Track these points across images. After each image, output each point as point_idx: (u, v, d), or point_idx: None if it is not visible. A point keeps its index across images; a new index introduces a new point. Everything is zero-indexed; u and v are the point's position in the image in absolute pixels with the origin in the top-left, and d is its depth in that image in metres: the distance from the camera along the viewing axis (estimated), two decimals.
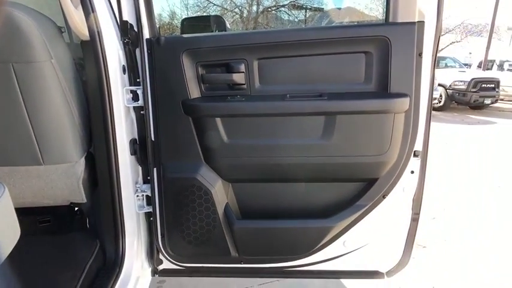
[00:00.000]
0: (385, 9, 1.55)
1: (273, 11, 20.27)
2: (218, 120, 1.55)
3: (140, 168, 1.67)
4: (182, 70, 1.50)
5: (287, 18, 20.10)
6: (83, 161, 1.47)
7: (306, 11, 19.83)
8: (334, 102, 1.53)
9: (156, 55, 1.49)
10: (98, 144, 1.49)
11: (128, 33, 1.45)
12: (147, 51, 1.52)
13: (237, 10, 19.62)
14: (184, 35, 1.70)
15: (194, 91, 1.56)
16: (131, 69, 1.52)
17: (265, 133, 1.55)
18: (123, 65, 1.48)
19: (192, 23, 3.08)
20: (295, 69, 1.52)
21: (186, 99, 1.53)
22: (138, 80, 1.54)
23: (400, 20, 1.49)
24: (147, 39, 1.49)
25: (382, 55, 1.50)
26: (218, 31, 2.76)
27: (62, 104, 1.30)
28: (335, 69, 1.56)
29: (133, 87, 1.53)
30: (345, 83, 1.52)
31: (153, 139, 1.57)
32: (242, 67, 1.52)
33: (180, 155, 1.60)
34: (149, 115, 1.54)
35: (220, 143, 1.56)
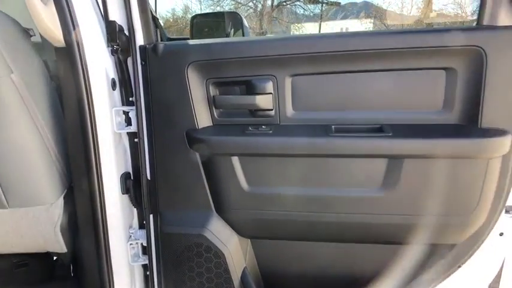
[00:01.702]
0: (477, 8, 1.07)
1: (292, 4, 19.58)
2: (235, 159, 1.22)
3: (135, 210, 1.38)
4: (187, 89, 1.18)
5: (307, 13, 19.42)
6: (60, 202, 1.22)
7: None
8: (401, 141, 1.07)
9: (152, 67, 1.18)
10: (79, 181, 1.22)
11: (117, 38, 1.16)
12: (141, 62, 1.19)
13: (251, 4, 19.05)
14: (191, 42, 1.27)
15: (203, 118, 1.24)
16: (123, 85, 1.23)
17: (299, 179, 1.21)
18: (113, 79, 1.20)
19: (203, 21, 2.65)
20: (344, 90, 1.18)
21: (192, 128, 1.22)
22: (131, 99, 1.25)
23: (501, 23, 1.03)
24: (140, 46, 1.19)
25: (471, 73, 1.07)
26: (234, 31, 2.31)
27: (29, 130, 1.07)
28: (401, 91, 1.15)
29: (125, 108, 1.24)
30: (415, 110, 1.15)
31: (148, 177, 1.27)
32: (269, 86, 1.19)
33: (184, 202, 1.29)
34: (144, 146, 1.23)
35: (238, 190, 1.24)
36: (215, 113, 1.24)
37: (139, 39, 1.18)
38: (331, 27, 20.23)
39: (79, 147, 1.16)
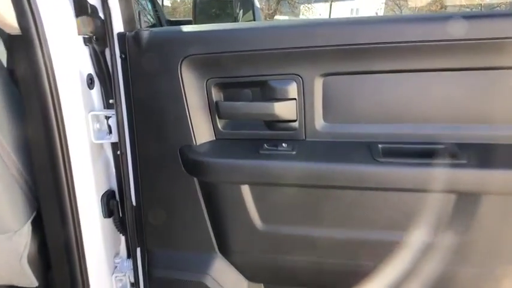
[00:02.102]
0: None
1: None
2: (246, 188, 0.94)
3: (122, 236, 1.16)
4: (181, 91, 0.91)
5: None
6: (27, 229, 1.01)
7: None
8: (480, 172, 0.77)
9: (134, 62, 0.91)
10: (47, 204, 1.00)
11: (89, 23, 0.92)
12: (120, 55, 0.92)
13: None
14: (187, 28, 0.97)
15: (203, 130, 0.97)
16: (103, 83, 1.00)
17: (330, 217, 0.92)
18: (89, 75, 0.96)
19: (207, 1, 2.30)
20: (396, 96, 0.89)
21: (187, 145, 0.95)
22: (111, 101, 1.00)
23: None
24: (119, 33, 0.92)
25: None
26: (243, 12, 1.98)
27: None
28: (479, 99, 0.84)
29: (106, 112, 1.00)
30: (496, 125, 0.85)
31: (133, 203, 1.03)
32: (292, 90, 0.90)
33: (179, 238, 1.05)
34: (127, 163, 0.99)
35: (248, 228, 0.97)
36: (219, 124, 0.97)
37: (118, 25, 0.90)
38: (341, 9, 19.53)
39: (45, 162, 0.94)
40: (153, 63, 0.90)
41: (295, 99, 0.89)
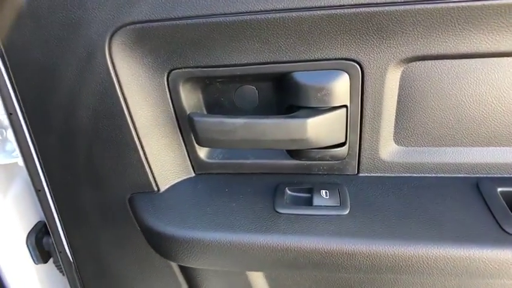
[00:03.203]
0: None
1: None
2: (258, 278, 0.57)
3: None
4: (116, 91, 0.48)
5: None
6: None
7: None
8: None
9: (23, 36, 0.47)
10: None
11: None
12: None
13: None
14: None
15: (168, 161, 0.56)
16: None
17: None
18: None
19: None
20: None
21: (142, 193, 0.56)
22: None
23: None
24: None
25: None
26: None
27: None
28: None
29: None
30: None
31: (70, 257, 0.71)
32: (341, 88, 0.47)
33: None
34: (46, 199, 0.65)
35: None
36: (198, 151, 0.55)
37: None
38: None
39: None
40: (57, 46, 0.46)
41: (345, 106, 0.46)
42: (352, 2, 0.38)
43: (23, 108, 0.52)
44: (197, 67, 0.46)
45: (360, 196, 0.49)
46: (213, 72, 0.46)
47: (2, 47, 0.47)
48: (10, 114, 0.54)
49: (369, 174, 0.51)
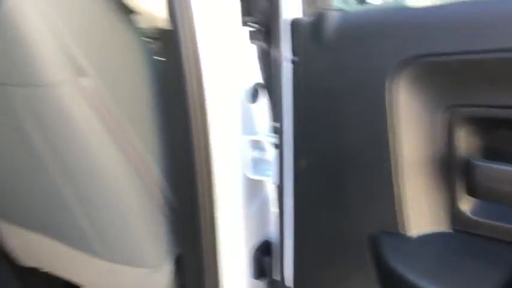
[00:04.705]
0: None
1: None
2: None
3: None
4: (392, 125, 0.51)
5: None
6: (168, 269, 0.87)
7: None
8: None
9: (312, 69, 0.58)
10: (188, 250, 0.82)
11: (253, 9, 0.67)
12: (292, 58, 0.61)
13: None
14: (414, 8, 0.54)
15: (426, 208, 0.55)
16: (272, 96, 0.76)
17: None
18: (255, 85, 0.73)
19: None
20: None
21: (387, 233, 0.56)
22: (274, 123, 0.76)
23: None
24: (290, 21, 0.60)
25: None
26: None
27: (120, 165, 0.69)
28: None
29: (270, 138, 0.73)
30: None
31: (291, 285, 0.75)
32: None
33: None
34: (283, 224, 0.71)
35: None
36: (462, 204, 0.53)
37: (289, 7, 0.58)
38: None
39: (187, 198, 0.74)
40: (344, 71, 0.54)
41: None
42: None
43: (294, 128, 0.62)
44: (484, 106, 0.46)
45: None
46: (502, 113, 0.45)
47: (304, 75, 0.56)
48: (278, 132, 0.64)
49: None
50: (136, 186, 0.77)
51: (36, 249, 0.98)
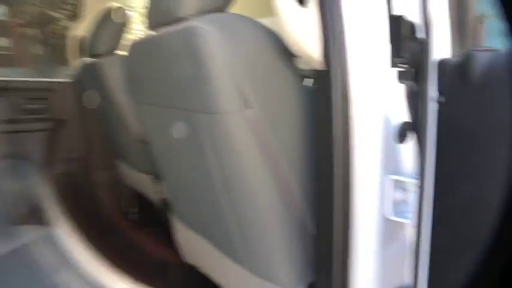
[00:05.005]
0: None
1: None
2: None
3: None
4: None
5: None
6: None
7: None
8: None
9: (461, 112, 0.60)
10: (319, 279, 0.81)
11: (405, 50, 0.67)
12: (437, 99, 0.61)
13: None
14: None
15: None
16: (420, 137, 0.71)
17: None
18: (403, 125, 0.73)
19: None
20: None
21: None
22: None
23: None
24: (437, 61, 0.61)
25: None
26: None
27: (262, 180, 0.77)
28: None
29: (409, 179, 0.71)
30: None
31: None
32: None
33: None
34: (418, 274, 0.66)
35: None
36: None
37: (439, 49, 0.62)
38: None
39: (325, 231, 0.75)
40: (491, 114, 0.53)
41: None
42: None
43: (436, 169, 0.60)
44: None
45: None
46: None
47: (451, 117, 0.57)
48: (423, 175, 0.63)
49: None
50: (280, 209, 0.81)
51: (197, 250, 1.10)
